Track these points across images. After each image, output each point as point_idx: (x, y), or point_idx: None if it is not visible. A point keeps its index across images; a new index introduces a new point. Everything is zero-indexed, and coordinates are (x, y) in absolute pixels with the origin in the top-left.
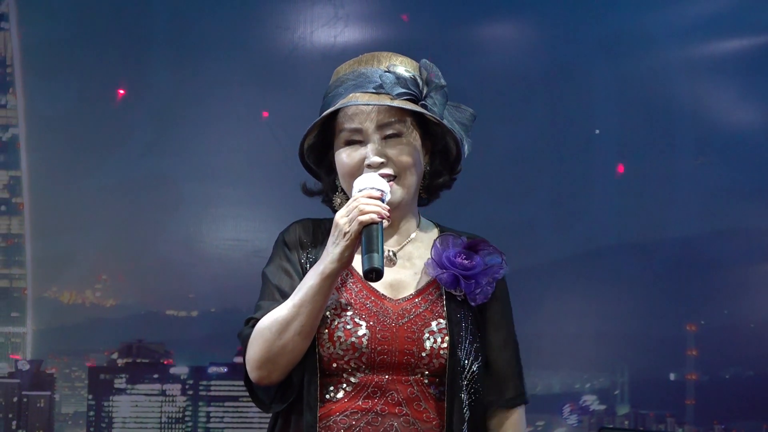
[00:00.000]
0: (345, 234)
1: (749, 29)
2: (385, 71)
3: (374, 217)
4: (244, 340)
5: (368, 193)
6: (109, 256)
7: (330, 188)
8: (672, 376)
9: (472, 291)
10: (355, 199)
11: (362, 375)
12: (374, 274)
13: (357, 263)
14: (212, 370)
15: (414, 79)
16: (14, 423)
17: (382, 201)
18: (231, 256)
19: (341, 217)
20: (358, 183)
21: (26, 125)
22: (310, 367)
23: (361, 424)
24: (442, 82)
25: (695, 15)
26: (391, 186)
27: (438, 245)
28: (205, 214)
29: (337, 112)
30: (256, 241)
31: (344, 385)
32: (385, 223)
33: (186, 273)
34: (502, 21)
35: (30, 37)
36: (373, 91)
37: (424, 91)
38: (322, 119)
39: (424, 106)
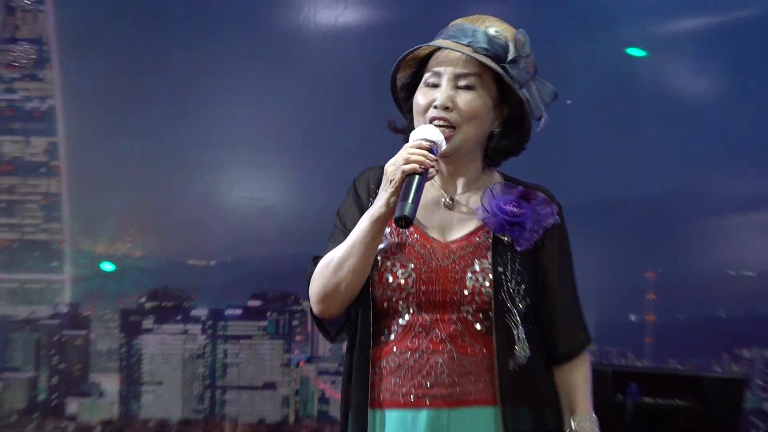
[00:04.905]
0: (391, 181)
1: (702, 11)
2: (481, 29)
3: (416, 167)
4: (307, 276)
5: (418, 143)
6: (137, 212)
7: (410, 128)
8: (633, 317)
9: (518, 237)
10: (404, 149)
11: (410, 316)
12: (403, 221)
13: (424, 208)
14: (228, 312)
15: (504, 43)
16: (55, 359)
17: (433, 152)
18: (245, 212)
19: (390, 165)
20: (414, 133)
21: (62, 96)
22: (364, 307)
23: (410, 363)
24: (530, 56)
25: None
26: (450, 136)
27: (491, 192)
28: (221, 175)
29: (429, 56)
30: (267, 199)
31: (395, 327)
32: (432, 172)
33: (205, 227)
34: (488, 2)
35: (64, 18)
36: (464, 43)
37: (510, 56)
38: (409, 53)
39: (504, 69)
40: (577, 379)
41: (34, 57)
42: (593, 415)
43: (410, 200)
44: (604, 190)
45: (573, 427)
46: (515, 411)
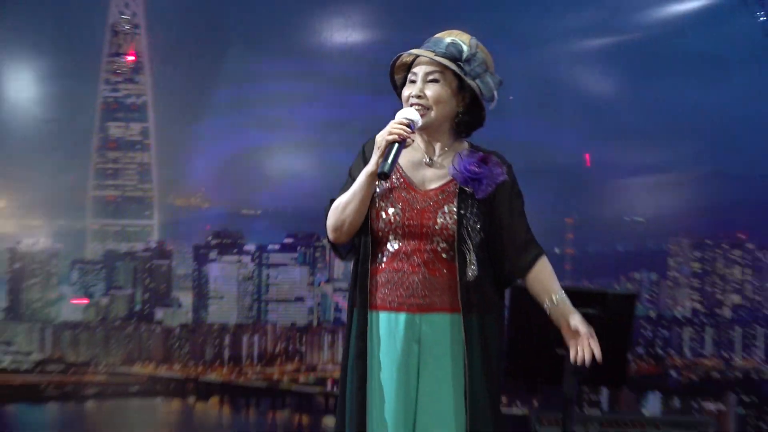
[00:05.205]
0: (378, 147)
1: (607, 33)
2: (446, 40)
3: (395, 137)
4: (325, 214)
5: (399, 120)
6: (205, 176)
7: None
8: (557, 250)
9: (476, 188)
10: (390, 124)
11: (397, 244)
12: (382, 176)
13: (404, 164)
14: (270, 247)
15: (460, 48)
16: (147, 280)
17: (411, 127)
18: (283, 177)
19: (379, 135)
20: (398, 113)
21: (152, 94)
22: (365, 235)
23: (395, 280)
24: (480, 57)
25: (578, 20)
26: (424, 115)
27: (459, 156)
28: (267, 150)
29: (413, 62)
30: (297, 167)
31: (386, 252)
32: (408, 141)
33: (254, 187)
34: (452, 24)
35: (153, 38)
36: (431, 50)
37: (464, 57)
38: (397, 58)
39: (459, 66)
40: (545, 275)
41: (132, 66)
42: (564, 293)
43: (389, 161)
44: (537, 159)
45: (554, 301)
46: (469, 316)
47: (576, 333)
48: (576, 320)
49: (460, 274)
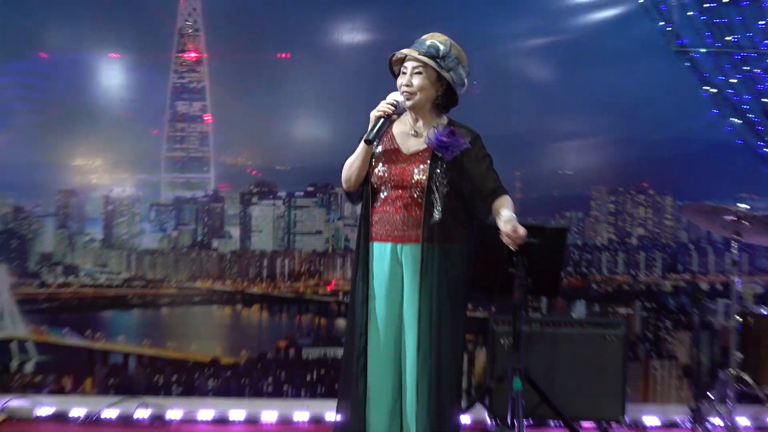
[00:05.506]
0: (371, 121)
1: (553, 32)
2: (428, 41)
3: (382, 114)
4: (341, 170)
5: (387, 101)
6: (248, 141)
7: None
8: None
9: (445, 153)
10: (381, 103)
11: (386, 192)
12: (367, 142)
13: (396, 133)
14: (296, 193)
15: (437, 48)
16: (206, 218)
17: (396, 106)
18: (317, 142)
19: (372, 112)
20: (389, 96)
21: (208, 80)
22: (366, 186)
23: (385, 218)
24: (453, 53)
25: (524, 25)
26: (410, 98)
27: (434, 129)
28: (294, 123)
29: (404, 59)
30: (318, 135)
31: (379, 198)
32: (393, 117)
33: (286, 150)
34: (433, 27)
35: (210, 38)
36: (417, 50)
37: (441, 54)
38: (392, 55)
39: (437, 62)
40: (502, 202)
41: (193, 60)
42: (511, 213)
43: (374, 132)
44: (496, 128)
45: (501, 215)
46: (430, 245)
47: (504, 227)
48: (501, 221)
49: (426, 215)
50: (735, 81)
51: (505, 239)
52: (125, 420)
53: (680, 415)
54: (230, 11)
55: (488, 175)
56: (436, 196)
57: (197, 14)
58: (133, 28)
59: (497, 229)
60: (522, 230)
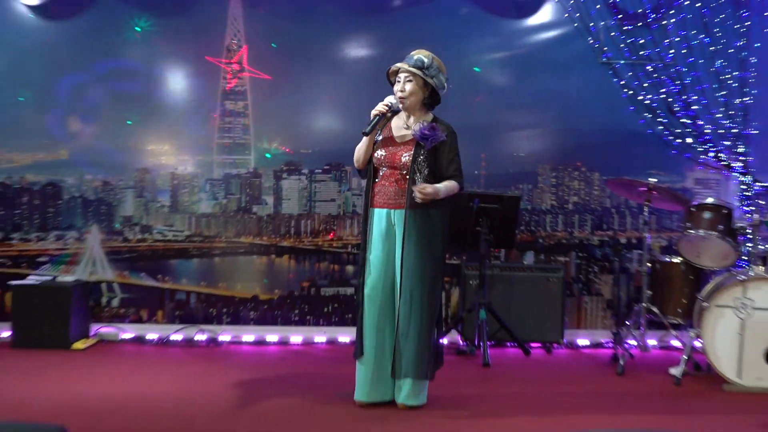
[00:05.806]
0: (371, 117)
1: (510, 47)
2: (415, 56)
3: (378, 112)
4: (353, 153)
5: (383, 102)
6: (281, 129)
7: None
8: (476, 172)
9: (425, 143)
10: (379, 104)
11: (383, 170)
12: (364, 134)
13: (393, 126)
14: (316, 170)
15: (423, 61)
16: (247, 189)
17: (390, 107)
18: (326, 131)
19: (372, 110)
20: (386, 98)
21: (249, 85)
22: (370, 164)
23: (383, 191)
24: (435, 65)
25: (488, 42)
26: (403, 101)
27: (420, 124)
28: (315, 115)
29: (398, 70)
30: (332, 124)
31: (379, 175)
32: (388, 115)
33: (308, 138)
34: (419, 45)
35: (251, 51)
36: (407, 63)
37: (426, 65)
38: (389, 69)
39: (423, 72)
40: (444, 183)
41: (238, 69)
42: (441, 186)
43: (370, 127)
44: (466, 121)
45: (429, 185)
46: (413, 211)
47: (419, 186)
48: (419, 186)
49: (409, 189)
50: (646, 85)
51: (416, 193)
52: (188, 342)
53: (605, 338)
54: (266, 32)
55: (450, 165)
56: (418, 175)
57: (240, 35)
58: (194, 45)
59: (468, 198)
60: (429, 190)
